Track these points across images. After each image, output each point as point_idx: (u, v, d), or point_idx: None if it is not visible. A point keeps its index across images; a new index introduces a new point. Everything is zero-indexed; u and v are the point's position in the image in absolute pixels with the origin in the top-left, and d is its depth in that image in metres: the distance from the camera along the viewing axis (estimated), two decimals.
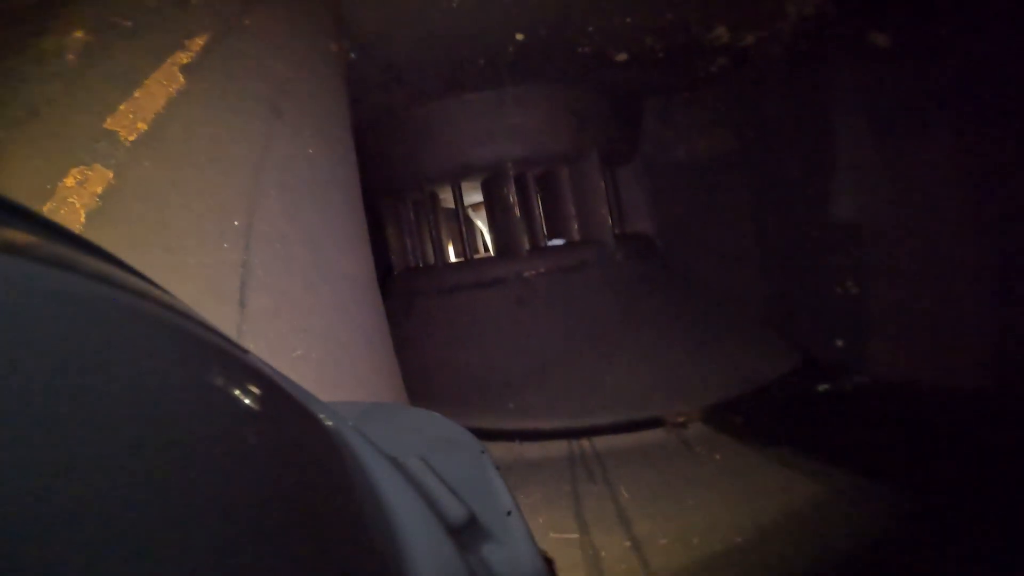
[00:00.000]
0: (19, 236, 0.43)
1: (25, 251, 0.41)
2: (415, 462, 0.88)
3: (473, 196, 5.76)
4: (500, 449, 3.77)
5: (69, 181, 1.90)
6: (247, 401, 0.57)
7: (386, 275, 5.44)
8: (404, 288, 5.15)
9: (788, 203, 4.24)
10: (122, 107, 2.05)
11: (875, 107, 3.45)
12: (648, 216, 5.53)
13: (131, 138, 2.02)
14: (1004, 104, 2.90)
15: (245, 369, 0.66)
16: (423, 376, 4.40)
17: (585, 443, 3.69)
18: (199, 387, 0.50)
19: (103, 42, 2.10)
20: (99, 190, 1.92)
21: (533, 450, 3.73)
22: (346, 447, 0.78)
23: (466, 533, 0.77)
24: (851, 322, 3.90)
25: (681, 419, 3.80)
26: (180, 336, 0.55)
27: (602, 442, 3.69)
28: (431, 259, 5.33)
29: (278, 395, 0.69)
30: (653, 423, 3.80)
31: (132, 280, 0.55)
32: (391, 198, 5.36)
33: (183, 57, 2.21)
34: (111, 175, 1.94)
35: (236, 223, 2.12)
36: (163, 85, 2.13)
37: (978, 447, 2.83)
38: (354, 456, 0.77)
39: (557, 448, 3.68)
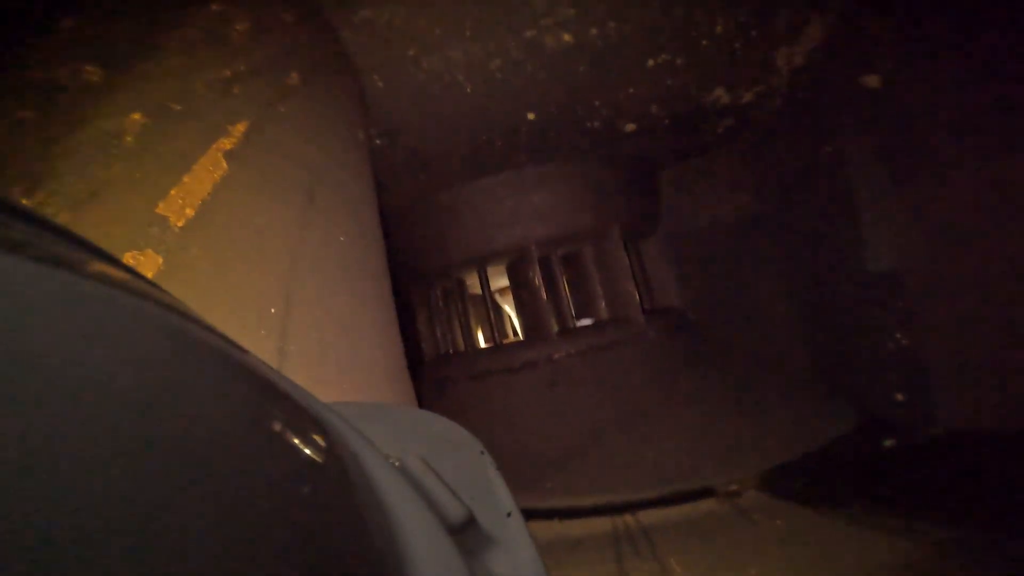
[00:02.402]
0: (20, 235, 0.45)
1: (26, 250, 0.42)
2: (415, 462, 0.86)
3: (499, 281, 5.86)
4: (539, 528, 3.50)
5: None
6: (245, 401, 0.59)
7: (417, 363, 5.43)
8: (435, 375, 5.10)
9: (818, 259, 4.16)
10: (173, 192, 2.14)
11: (888, 151, 3.47)
12: (677, 288, 5.49)
13: (180, 224, 2.08)
14: (1014, 134, 2.89)
15: (244, 369, 0.67)
16: None
17: (629, 518, 3.40)
18: (198, 387, 0.51)
19: (157, 125, 2.22)
20: (150, 276, 1.94)
21: (574, 528, 3.45)
22: (345, 447, 0.78)
23: (466, 533, 0.76)
24: (910, 375, 3.63)
25: (734, 487, 3.49)
26: (181, 335, 0.56)
27: (648, 516, 3.40)
28: (461, 346, 5.33)
29: (276, 395, 0.70)
30: (703, 493, 3.50)
31: (134, 281, 0.57)
32: (420, 286, 5.48)
33: (226, 143, 2.31)
34: (161, 261, 1.99)
35: (273, 311, 2.16)
36: (209, 171, 2.22)
37: None
38: (353, 456, 0.77)
39: (600, 525, 3.41)
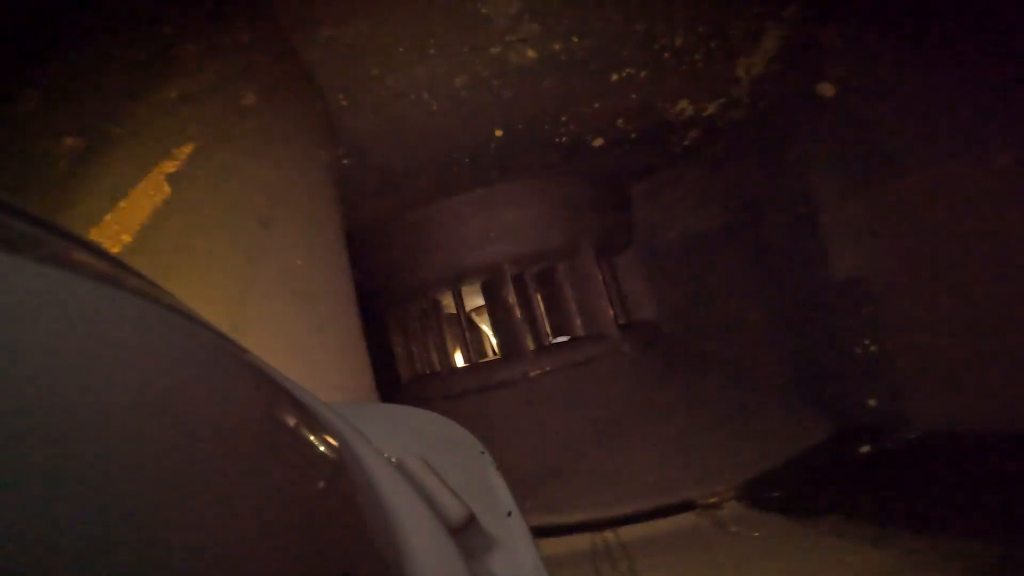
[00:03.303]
0: (20, 236, 0.45)
1: (26, 250, 0.42)
2: (415, 462, 0.87)
3: (477, 299, 5.83)
4: None
5: None
6: (247, 399, 0.60)
7: (394, 385, 5.34)
8: (412, 396, 5.03)
9: (787, 268, 4.20)
10: (108, 217, 2.08)
11: (845, 157, 3.54)
12: (651, 302, 5.50)
13: (115, 250, 2.02)
14: (966, 140, 2.97)
15: (246, 367, 0.68)
16: None
17: (609, 535, 3.34)
18: (199, 384, 0.51)
19: (93, 149, 2.15)
20: None
21: (555, 546, 3.38)
22: (346, 446, 0.78)
23: (466, 533, 0.77)
24: (881, 380, 3.66)
25: (713, 500, 3.46)
26: (181, 333, 0.56)
27: (628, 532, 3.35)
28: (437, 366, 5.26)
29: (278, 394, 0.71)
30: (683, 507, 3.46)
31: (134, 280, 0.57)
32: (395, 306, 5.43)
33: (170, 166, 2.25)
34: None
35: None
36: (150, 195, 2.16)
37: None
38: (354, 456, 0.78)
39: (580, 543, 3.35)
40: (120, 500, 0.30)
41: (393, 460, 0.82)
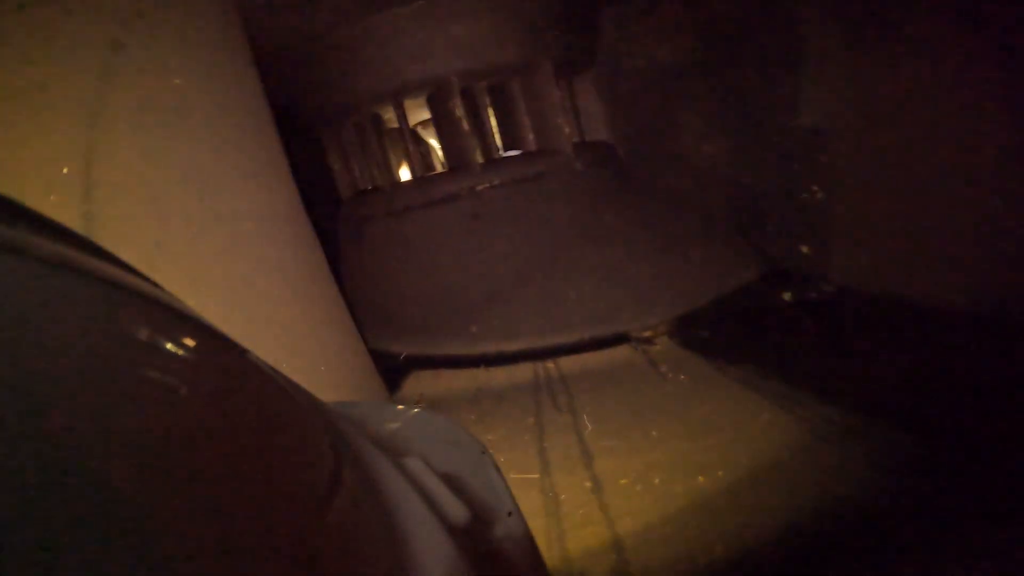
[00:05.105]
0: None
1: None
2: (415, 462, 0.86)
3: (422, 113, 5.37)
4: (465, 378, 3.75)
5: None
6: (246, 402, 0.59)
7: (334, 203, 5.14)
8: (353, 214, 4.90)
9: (751, 108, 4.01)
10: None
11: (842, 9, 3.21)
12: (608, 126, 5.25)
13: None
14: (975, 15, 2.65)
15: (244, 369, 0.65)
16: (379, 305, 4.27)
17: (551, 365, 3.65)
18: (198, 387, 0.49)
19: None
20: None
21: (498, 377, 3.70)
22: (347, 447, 0.76)
23: (466, 534, 0.77)
24: (817, 229, 3.79)
25: (648, 334, 3.76)
26: (180, 341, 0.54)
27: (568, 363, 3.66)
28: (379, 182, 5.02)
29: (276, 395, 0.68)
30: (619, 340, 3.75)
31: (128, 276, 0.53)
32: (329, 123, 4.97)
33: None
34: None
35: (65, 171, 1.95)
36: None
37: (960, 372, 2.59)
38: (355, 456, 0.76)
39: (522, 373, 3.65)
40: (117, 496, 0.31)
41: (393, 460, 0.83)
